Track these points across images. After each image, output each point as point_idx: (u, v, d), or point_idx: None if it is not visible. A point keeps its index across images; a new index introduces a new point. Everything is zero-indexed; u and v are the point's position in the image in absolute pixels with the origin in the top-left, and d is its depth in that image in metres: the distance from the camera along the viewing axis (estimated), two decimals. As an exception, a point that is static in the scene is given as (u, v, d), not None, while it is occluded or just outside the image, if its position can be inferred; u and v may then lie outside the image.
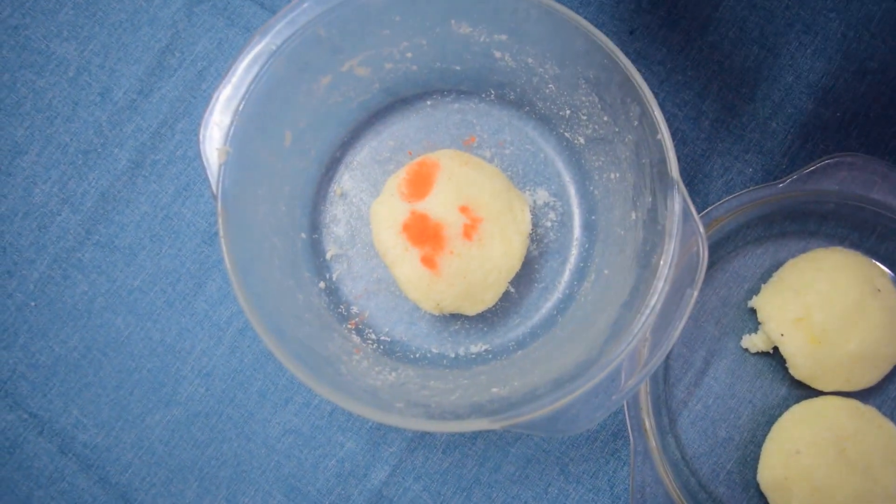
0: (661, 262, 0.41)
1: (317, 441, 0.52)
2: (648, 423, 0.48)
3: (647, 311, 0.41)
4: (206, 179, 0.53)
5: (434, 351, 0.51)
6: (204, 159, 0.43)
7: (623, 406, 0.48)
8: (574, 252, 0.52)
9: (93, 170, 0.54)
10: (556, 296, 0.51)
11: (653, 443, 0.47)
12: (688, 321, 0.51)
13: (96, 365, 0.52)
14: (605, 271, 0.49)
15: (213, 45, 0.55)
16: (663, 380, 0.51)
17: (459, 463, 0.51)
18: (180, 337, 0.53)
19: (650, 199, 0.44)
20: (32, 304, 0.53)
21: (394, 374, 0.47)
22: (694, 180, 0.53)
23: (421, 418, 0.41)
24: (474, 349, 0.51)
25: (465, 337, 0.51)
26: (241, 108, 0.43)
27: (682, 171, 0.53)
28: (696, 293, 0.41)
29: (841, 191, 0.49)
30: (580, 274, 0.51)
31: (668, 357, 0.51)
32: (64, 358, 0.53)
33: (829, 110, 0.53)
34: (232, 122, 0.43)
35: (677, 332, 0.41)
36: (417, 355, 0.50)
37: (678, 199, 0.41)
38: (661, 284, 0.41)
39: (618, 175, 0.49)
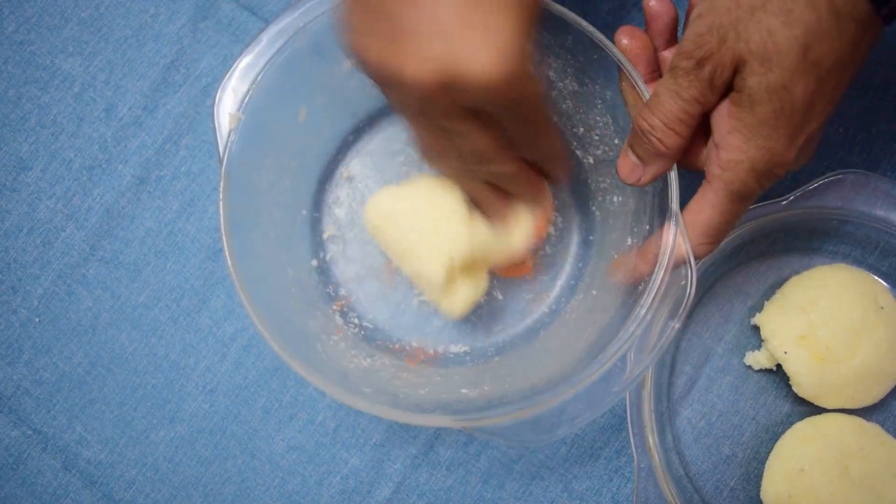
0: (647, 291, 0.41)
1: (321, 458, 0.52)
2: (652, 440, 0.48)
3: (626, 338, 0.41)
4: (209, 192, 0.54)
5: (413, 345, 0.51)
6: (216, 124, 0.44)
7: (626, 423, 0.48)
8: (567, 269, 0.52)
9: (97, 186, 0.54)
10: (543, 309, 0.51)
11: (656, 460, 0.47)
12: (691, 338, 0.52)
13: (100, 381, 0.53)
14: (594, 292, 0.50)
15: (218, 62, 0.55)
16: (666, 397, 0.51)
17: (463, 480, 0.51)
18: (184, 353, 0.53)
19: (647, 227, 0.44)
20: (36, 319, 0.53)
21: (369, 360, 0.48)
22: (697, 197, 0.53)
23: (386, 406, 0.41)
24: (454, 349, 0.51)
25: (446, 336, 0.51)
26: (259, 77, 0.44)
27: (685, 190, 0.53)
28: (677, 326, 0.41)
29: (844, 208, 0.50)
30: (569, 291, 0.51)
31: (670, 374, 0.51)
32: (68, 374, 0.53)
33: (831, 127, 0.53)
34: (249, 90, 0.44)
35: (648, 363, 0.41)
36: (396, 346, 0.51)
37: (673, 232, 0.41)
38: (643, 312, 0.41)
39: (621, 199, 0.49)
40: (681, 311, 0.41)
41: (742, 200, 0.40)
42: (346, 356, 0.47)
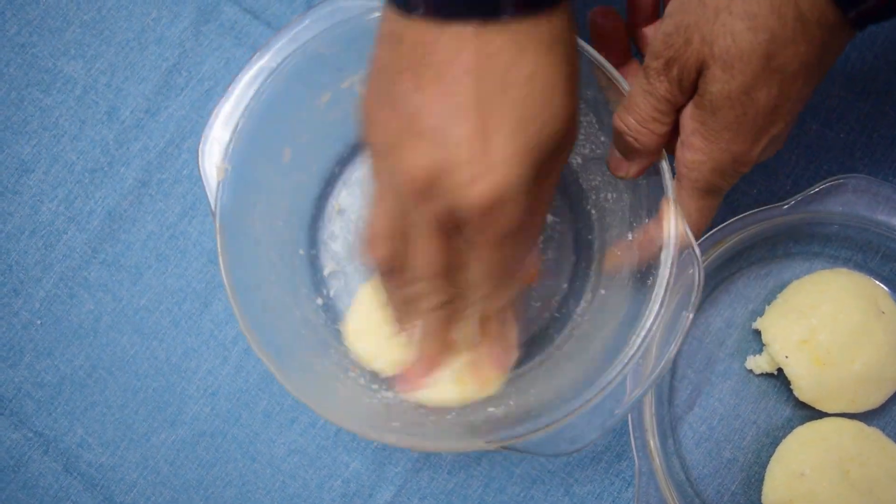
0: (657, 285, 0.41)
1: (322, 461, 0.52)
2: (653, 444, 0.48)
3: (644, 333, 0.41)
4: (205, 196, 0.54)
5: None
6: (203, 176, 0.43)
7: (628, 427, 0.48)
8: (570, 271, 0.52)
9: (99, 188, 0.54)
10: (553, 314, 0.51)
11: (657, 464, 0.47)
12: (692, 342, 0.52)
13: (102, 384, 0.53)
14: (602, 291, 0.49)
15: (221, 65, 0.55)
16: (668, 401, 0.51)
17: (464, 484, 0.51)
18: (186, 356, 0.53)
19: (646, 221, 0.44)
20: (38, 322, 0.53)
21: (390, 392, 0.47)
22: (698, 201, 0.53)
23: (417, 437, 0.41)
24: None
25: None
26: (240, 124, 0.43)
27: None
28: (691, 315, 0.41)
29: (845, 212, 0.50)
30: (577, 293, 0.51)
31: (672, 378, 0.51)
32: (69, 377, 0.53)
33: (833, 131, 0.54)
34: (231, 139, 0.43)
35: (671, 356, 0.41)
36: None
37: (674, 222, 0.41)
38: (656, 307, 0.41)
39: (614, 195, 0.49)
40: (693, 299, 0.41)
41: (711, 196, 0.41)
42: (366, 392, 0.46)
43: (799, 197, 0.50)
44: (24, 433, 0.52)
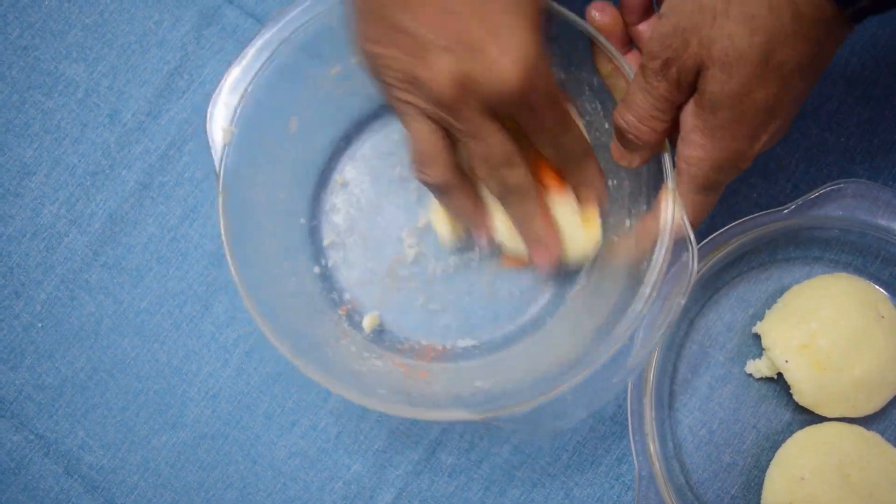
0: (650, 270, 0.42)
1: (323, 463, 0.52)
2: (653, 447, 0.48)
3: (634, 317, 0.41)
4: (212, 198, 0.54)
5: (422, 343, 0.51)
6: (209, 138, 0.44)
7: (628, 431, 0.48)
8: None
9: (101, 191, 0.54)
10: (547, 296, 0.52)
11: (657, 468, 0.48)
12: (692, 346, 0.52)
13: (103, 386, 0.53)
14: (596, 275, 0.50)
15: (222, 68, 0.55)
16: (668, 405, 0.51)
17: (465, 487, 0.51)
18: (187, 359, 0.53)
19: (644, 208, 0.45)
20: (39, 324, 0.53)
21: (379, 361, 0.48)
22: (699, 205, 0.54)
23: (402, 405, 0.42)
24: (462, 344, 0.51)
25: (454, 331, 0.51)
26: (248, 89, 0.44)
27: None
28: (682, 302, 0.42)
29: (845, 217, 0.50)
30: (572, 276, 0.52)
31: (672, 382, 0.51)
32: (70, 379, 0.53)
33: (833, 136, 0.54)
34: (239, 103, 0.44)
35: (656, 340, 0.42)
36: (405, 346, 0.51)
37: (671, 209, 0.42)
38: (647, 291, 0.42)
39: (615, 182, 0.49)
40: (685, 286, 0.42)
41: (709, 192, 0.41)
42: (357, 359, 0.47)
43: (799, 201, 0.50)
44: (24, 435, 0.52)
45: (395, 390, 0.45)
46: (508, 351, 0.50)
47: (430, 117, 0.39)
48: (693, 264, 0.42)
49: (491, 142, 0.39)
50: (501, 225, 0.46)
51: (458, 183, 0.42)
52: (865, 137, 0.54)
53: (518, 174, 0.41)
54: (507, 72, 0.36)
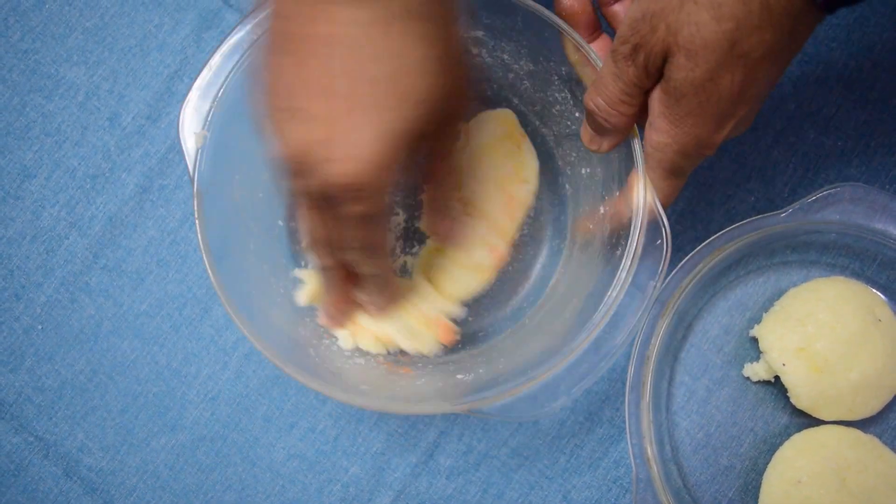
0: (625, 255, 0.42)
1: (321, 466, 0.52)
2: (650, 450, 0.48)
3: (609, 303, 0.42)
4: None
5: None
6: (182, 143, 0.44)
7: (625, 434, 0.48)
8: (544, 246, 0.53)
9: (101, 194, 0.55)
10: (526, 288, 0.52)
11: (655, 471, 0.48)
12: (690, 350, 0.52)
13: (102, 388, 0.53)
14: (574, 264, 0.50)
15: (221, 72, 0.56)
16: (665, 408, 0.51)
17: (463, 489, 0.51)
18: (186, 361, 0.53)
19: (617, 194, 0.45)
20: (39, 326, 0.54)
21: (363, 359, 0.48)
22: (696, 209, 0.54)
23: (384, 400, 0.42)
24: None
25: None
26: (220, 94, 0.44)
27: (684, 200, 0.54)
28: (658, 285, 0.42)
29: (842, 221, 0.50)
30: (549, 268, 0.52)
31: (669, 385, 0.52)
32: (70, 381, 0.53)
33: (830, 139, 0.54)
34: (211, 108, 0.44)
35: (634, 323, 0.43)
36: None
37: (642, 192, 0.42)
38: (623, 275, 0.42)
39: (588, 170, 0.50)
40: (660, 269, 0.42)
41: (675, 176, 0.42)
42: (339, 358, 0.48)
43: (796, 205, 0.50)
44: (24, 437, 0.52)
45: (378, 387, 0.45)
46: (490, 344, 0.51)
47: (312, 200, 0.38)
48: (667, 246, 0.42)
49: (307, 222, 0.39)
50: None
51: (333, 268, 0.43)
52: (862, 141, 0.54)
53: (326, 256, 0.42)
54: (338, 174, 0.34)
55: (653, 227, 0.42)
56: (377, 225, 0.39)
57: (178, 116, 0.54)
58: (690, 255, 0.49)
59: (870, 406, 0.49)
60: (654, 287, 0.42)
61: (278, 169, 0.37)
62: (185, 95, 0.55)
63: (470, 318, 0.51)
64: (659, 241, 0.42)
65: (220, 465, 0.52)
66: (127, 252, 0.54)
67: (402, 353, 0.49)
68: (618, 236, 0.44)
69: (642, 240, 0.42)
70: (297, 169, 0.35)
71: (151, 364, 0.53)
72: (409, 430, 0.52)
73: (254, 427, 0.52)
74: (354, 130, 0.34)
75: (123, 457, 0.52)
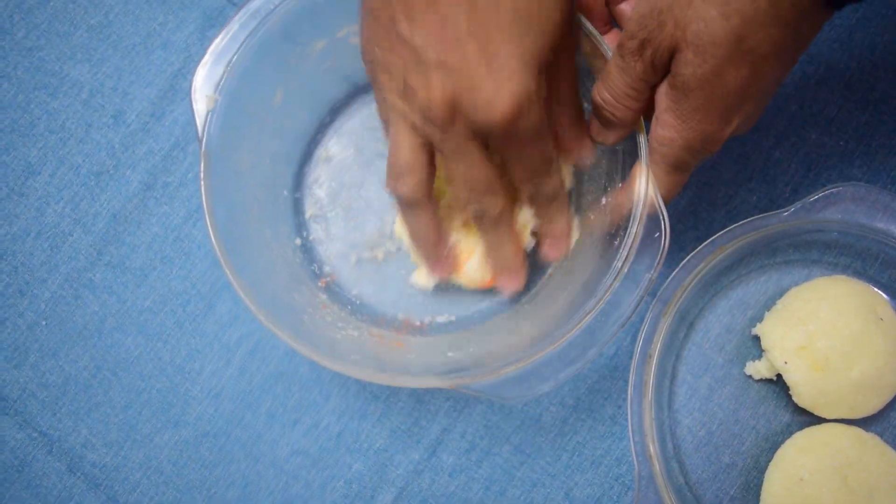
0: (622, 245, 0.42)
1: (324, 462, 0.52)
2: (652, 448, 0.48)
3: (603, 292, 0.42)
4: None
5: (400, 317, 0.51)
6: (192, 104, 0.44)
7: (627, 431, 0.48)
8: None
9: (105, 191, 0.55)
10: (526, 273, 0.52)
11: (657, 468, 0.48)
12: (692, 348, 0.52)
13: (106, 384, 0.53)
14: (572, 253, 0.50)
15: (226, 70, 0.56)
16: (667, 406, 0.51)
17: (465, 486, 0.52)
18: (190, 358, 0.53)
19: (620, 185, 0.45)
20: (43, 323, 0.54)
21: (356, 332, 0.48)
22: (698, 208, 0.54)
23: (373, 370, 0.42)
24: (440, 319, 0.51)
25: (432, 307, 0.51)
26: (233, 59, 0.45)
27: (686, 200, 0.54)
28: (653, 277, 0.43)
29: (844, 220, 0.50)
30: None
31: (671, 383, 0.52)
32: (74, 377, 0.53)
33: (832, 139, 0.54)
34: (224, 73, 0.45)
35: (628, 314, 0.43)
36: (383, 320, 0.51)
37: (643, 184, 0.42)
38: (619, 265, 0.42)
39: (593, 161, 0.49)
40: (656, 261, 0.42)
41: (679, 171, 0.42)
42: (333, 328, 0.48)
43: (798, 204, 0.50)
44: (28, 433, 0.53)
45: (368, 358, 0.45)
46: (484, 325, 0.51)
47: (415, 130, 0.39)
48: (665, 239, 0.42)
49: (472, 165, 0.39)
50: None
51: (426, 203, 0.42)
52: (864, 141, 0.54)
53: (494, 202, 0.42)
54: (495, 103, 0.36)
55: (652, 220, 0.43)
56: (547, 137, 0.40)
57: (183, 114, 0.55)
58: (692, 253, 0.49)
59: (871, 404, 0.49)
60: (650, 279, 0.42)
61: (417, 126, 0.38)
62: (188, 93, 0.55)
63: (468, 301, 0.52)
64: (658, 234, 0.43)
65: (223, 461, 0.52)
66: (131, 249, 0.54)
67: (396, 326, 0.50)
68: (617, 227, 0.44)
69: (641, 232, 0.42)
70: (449, 118, 0.37)
71: (155, 360, 0.53)
72: (412, 427, 0.52)
73: (257, 423, 0.52)
74: (499, 64, 0.36)
75: (127, 452, 0.52)
